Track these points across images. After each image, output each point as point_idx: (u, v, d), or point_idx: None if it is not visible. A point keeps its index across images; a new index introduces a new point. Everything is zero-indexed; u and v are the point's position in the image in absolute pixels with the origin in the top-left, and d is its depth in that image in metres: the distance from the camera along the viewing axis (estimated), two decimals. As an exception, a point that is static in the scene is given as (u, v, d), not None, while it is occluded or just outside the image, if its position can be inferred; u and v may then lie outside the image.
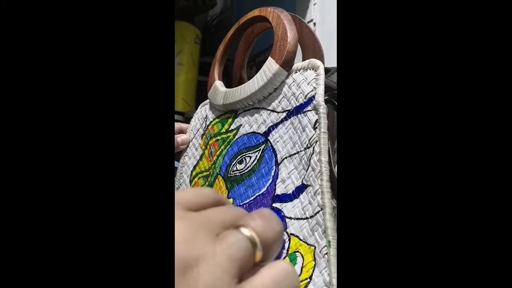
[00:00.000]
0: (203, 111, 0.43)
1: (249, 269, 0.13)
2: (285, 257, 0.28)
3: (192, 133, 0.44)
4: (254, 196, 0.33)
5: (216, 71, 0.41)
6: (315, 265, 0.26)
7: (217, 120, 0.40)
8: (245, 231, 0.14)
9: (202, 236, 0.13)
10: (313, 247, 0.26)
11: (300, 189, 0.29)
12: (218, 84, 0.40)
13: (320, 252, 0.26)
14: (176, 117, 0.85)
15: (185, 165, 0.45)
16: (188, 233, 0.12)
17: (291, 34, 0.31)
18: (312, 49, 0.33)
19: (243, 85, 0.36)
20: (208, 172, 0.40)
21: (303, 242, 0.27)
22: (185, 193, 0.15)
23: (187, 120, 0.83)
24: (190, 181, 0.43)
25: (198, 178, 0.42)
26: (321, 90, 0.28)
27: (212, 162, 0.40)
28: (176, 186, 0.46)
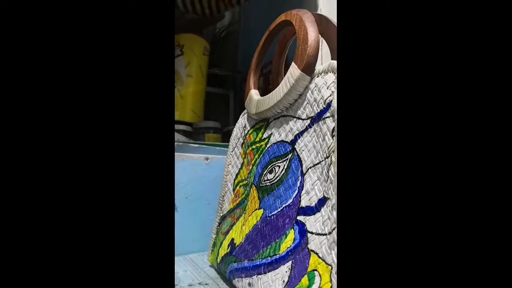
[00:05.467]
0: (243, 121, 0.44)
1: None
2: (304, 274, 0.26)
3: (234, 142, 0.45)
4: (281, 207, 0.32)
5: (251, 80, 0.41)
6: (331, 287, 0.23)
7: (252, 129, 0.40)
8: None
9: None
10: (330, 267, 0.24)
11: (322, 202, 0.27)
12: (253, 93, 0.40)
13: (335, 273, 0.23)
14: (185, 127, 0.85)
15: (229, 174, 0.46)
16: None
17: (312, 37, 0.30)
18: (340, 49, 0.31)
19: (271, 93, 0.35)
20: (246, 181, 0.41)
21: (321, 261, 0.25)
22: None
23: (196, 130, 0.84)
24: (233, 189, 0.44)
25: (240, 187, 0.43)
26: (338, 94, 0.26)
27: (249, 171, 0.40)
28: (221, 193, 0.47)
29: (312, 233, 0.27)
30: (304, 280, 0.26)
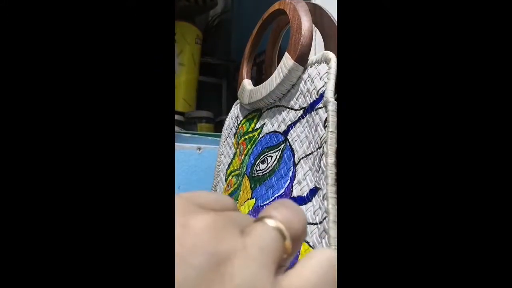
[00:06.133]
0: (235, 110, 0.44)
1: (281, 261, 0.12)
2: (295, 262, 0.27)
3: (226, 132, 0.45)
4: (273, 197, 0.32)
5: (244, 70, 0.41)
6: (321, 275, 0.24)
7: (245, 119, 0.40)
8: (271, 222, 0.12)
9: (229, 230, 0.12)
10: (321, 255, 0.25)
11: (313, 192, 0.27)
12: (246, 83, 0.40)
13: (326, 261, 0.24)
14: (177, 117, 0.82)
15: (221, 164, 0.46)
16: (215, 228, 0.12)
17: (305, 26, 0.29)
18: (334, 39, 0.31)
19: (264, 83, 0.35)
20: (238, 171, 0.41)
21: (312, 249, 0.26)
22: (206, 195, 0.14)
23: (188, 120, 0.82)
24: (225, 179, 0.44)
25: (232, 177, 0.43)
26: (331, 85, 0.26)
27: (241, 161, 0.40)
28: (214, 183, 0.47)
29: (303, 222, 0.28)
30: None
